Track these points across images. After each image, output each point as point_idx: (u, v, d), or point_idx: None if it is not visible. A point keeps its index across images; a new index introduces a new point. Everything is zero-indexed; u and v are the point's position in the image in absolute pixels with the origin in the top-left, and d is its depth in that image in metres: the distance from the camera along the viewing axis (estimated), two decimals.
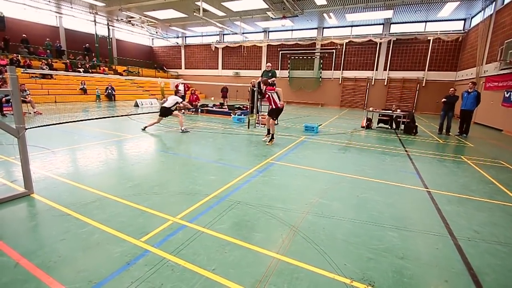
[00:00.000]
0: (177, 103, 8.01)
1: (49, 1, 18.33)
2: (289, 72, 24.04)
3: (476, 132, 10.68)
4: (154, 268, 2.05)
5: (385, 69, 20.72)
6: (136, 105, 15.59)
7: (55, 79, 17.41)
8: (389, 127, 10.49)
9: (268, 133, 6.95)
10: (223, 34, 26.84)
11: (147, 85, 24.05)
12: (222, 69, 27.65)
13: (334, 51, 22.05)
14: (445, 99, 9.33)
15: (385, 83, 20.82)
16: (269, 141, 6.69)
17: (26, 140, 3.20)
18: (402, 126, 9.85)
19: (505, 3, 12.81)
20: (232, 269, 2.09)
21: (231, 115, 11.21)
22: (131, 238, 2.44)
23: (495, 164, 5.85)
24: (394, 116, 10.17)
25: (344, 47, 21.64)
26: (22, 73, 15.58)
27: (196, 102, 12.94)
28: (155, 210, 2.98)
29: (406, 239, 2.64)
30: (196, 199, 3.34)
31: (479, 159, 6.16)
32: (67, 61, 20.28)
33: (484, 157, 6.42)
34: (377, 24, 20.42)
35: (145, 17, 20.59)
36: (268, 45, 24.57)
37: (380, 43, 20.35)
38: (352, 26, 21.25)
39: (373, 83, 21.26)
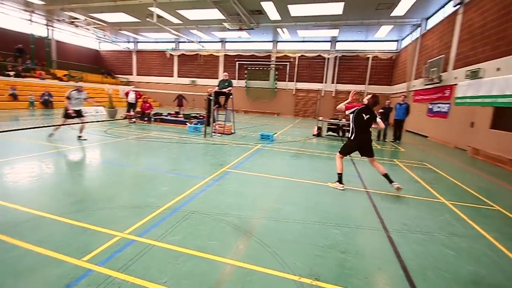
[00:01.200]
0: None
1: None
2: (246, 82, 24.57)
3: (407, 138, 12.27)
4: None
5: (333, 82, 22.60)
6: None
7: None
8: (337, 135, 11.41)
9: (339, 179, 4.56)
10: (179, 42, 26.34)
11: (93, 91, 22.14)
12: (178, 77, 26.98)
13: (288, 63, 23.31)
14: (382, 110, 10.58)
15: (333, 95, 22.66)
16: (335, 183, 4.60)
17: None
18: (347, 134, 10.80)
19: (427, 28, 15.20)
20: (185, 280, 2.07)
21: (186, 124, 10.97)
22: (71, 258, 2.24)
23: (421, 166, 6.80)
24: (340, 125, 11.12)
25: (297, 60, 23.04)
26: None
27: (149, 111, 12.37)
28: (100, 227, 2.78)
29: (348, 235, 2.93)
30: (147, 212, 3.20)
31: (409, 162, 7.09)
32: None
33: (413, 160, 7.41)
34: (325, 41, 22.29)
35: (91, 19, 19.14)
36: (225, 54, 24.85)
37: (328, 58, 22.21)
38: (303, 41, 22.82)
39: (323, 94, 22.95)
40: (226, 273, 2.19)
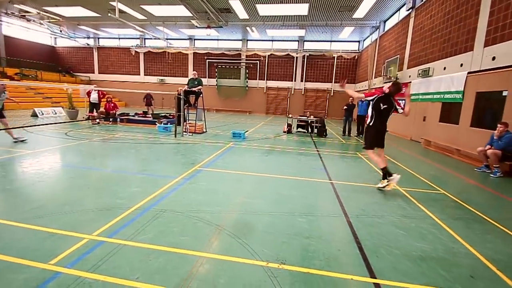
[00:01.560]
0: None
1: None
2: (217, 81, 24.40)
3: None
4: None
5: (302, 80, 23.35)
6: (35, 115, 13.09)
7: None
8: (306, 131, 11.90)
9: (385, 176, 4.34)
10: (144, 38, 25.32)
11: (49, 91, 20.51)
12: (145, 75, 25.95)
13: (258, 62, 23.59)
14: (345, 107, 11.25)
15: (303, 93, 23.43)
16: (385, 185, 4.31)
17: None
18: (315, 130, 11.34)
19: (385, 30, 16.34)
20: (157, 274, 2.14)
21: (156, 124, 10.69)
22: (37, 263, 2.18)
23: None
24: (309, 121, 11.61)
25: (267, 59, 23.40)
26: None
27: (114, 111, 11.81)
28: (66, 231, 2.71)
29: (312, 223, 3.18)
30: (116, 213, 3.17)
31: None
32: None
33: None
34: (294, 41, 22.92)
35: (45, 12, 17.64)
36: (194, 52, 24.41)
37: (297, 57, 22.88)
38: (272, 40, 23.23)
39: (293, 92, 23.61)
40: (198, 265, 2.29)
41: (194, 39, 24.56)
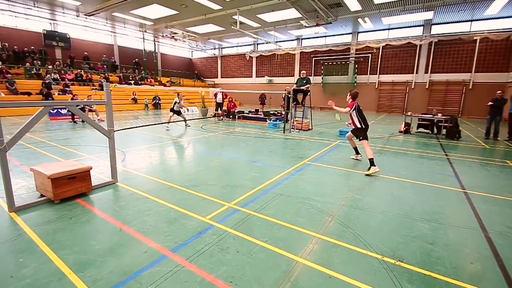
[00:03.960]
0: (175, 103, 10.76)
1: (106, 22, 21.01)
2: (322, 78, 24.09)
3: None
4: (220, 237, 2.63)
5: (426, 72, 19.78)
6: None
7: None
8: (430, 132, 10.18)
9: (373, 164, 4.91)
10: (257, 44, 27.89)
11: (187, 94, 25.90)
12: (256, 77, 28.63)
13: (369, 55, 21.67)
14: (491, 103, 8.86)
15: (427, 87, 19.83)
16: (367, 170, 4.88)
17: (114, 139, 4.09)
18: (444, 131, 9.52)
19: None
20: (281, 242, 2.59)
21: (266, 121, 11.80)
22: (199, 216, 3.07)
23: None
24: (435, 121, 9.87)
25: (380, 50, 21.17)
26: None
27: (233, 109, 13.80)
28: (213, 197, 3.61)
29: (437, 230, 2.90)
30: (244, 191, 3.90)
31: None
32: (121, 74, 22.86)
33: None
34: (417, 26, 19.68)
35: (187, 32, 22.43)
36: (301, 52, 24.96)
37: (420, 45, 19.55)
38: (389, 29, 20.75)
39: (413, 87, 20.38)
40: (314, 242, 2.60)
41: (302, 39, 25.06)
